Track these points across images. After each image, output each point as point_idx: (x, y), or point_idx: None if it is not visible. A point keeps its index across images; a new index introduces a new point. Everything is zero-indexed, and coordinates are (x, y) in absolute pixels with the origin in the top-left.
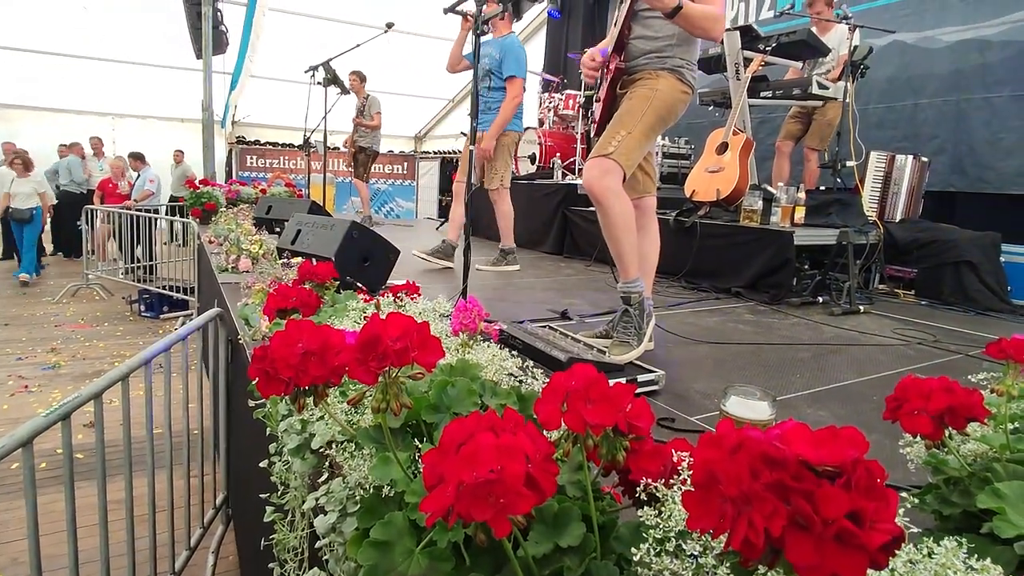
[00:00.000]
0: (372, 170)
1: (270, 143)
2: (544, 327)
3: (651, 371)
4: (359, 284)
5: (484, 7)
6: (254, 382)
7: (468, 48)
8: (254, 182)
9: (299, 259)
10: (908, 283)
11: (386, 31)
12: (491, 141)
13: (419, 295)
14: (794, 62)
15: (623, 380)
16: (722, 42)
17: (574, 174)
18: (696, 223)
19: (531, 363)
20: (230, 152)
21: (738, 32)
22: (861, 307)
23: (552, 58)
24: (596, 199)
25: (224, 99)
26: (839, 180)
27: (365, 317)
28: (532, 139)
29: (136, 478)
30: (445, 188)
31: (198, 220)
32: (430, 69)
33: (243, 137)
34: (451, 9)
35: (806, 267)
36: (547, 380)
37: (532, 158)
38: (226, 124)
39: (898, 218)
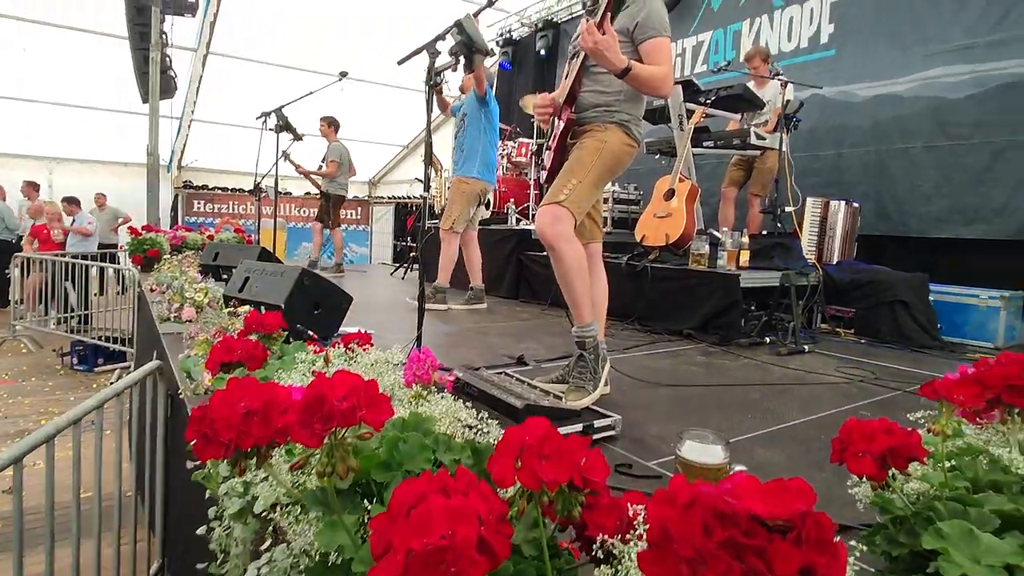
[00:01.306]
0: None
1: (219, 188)
2: (500, 373)
3: (607, 416)
4: (310, 332)
5: (436, 60)
6: (191, 444)
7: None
8: (201, 228)
9: (247, 308)
10: (848, 322)
11: (340, 79)
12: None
13: (371, 345)
14: (733, 114)
15: (580, 426)
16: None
17: (528, 219)
18: (647, 267)
19: (486, 414)
20: (176, 197)
21: (680, 86)
22: (806, 346)
23: (503, 108)
24: (549, 245)
25: (171, 143)
26: (779, 225)
27: (314, 371)
28: None
29: (59, 548)
30: (399, 233)
31: (139, 267)
32: (384, 115)
33: (190, 182)
34: (405, 60)
35: (752, 308)
36: (502, 431)
37: (487, 204)
38: (172, 168)
39: (835, 260)
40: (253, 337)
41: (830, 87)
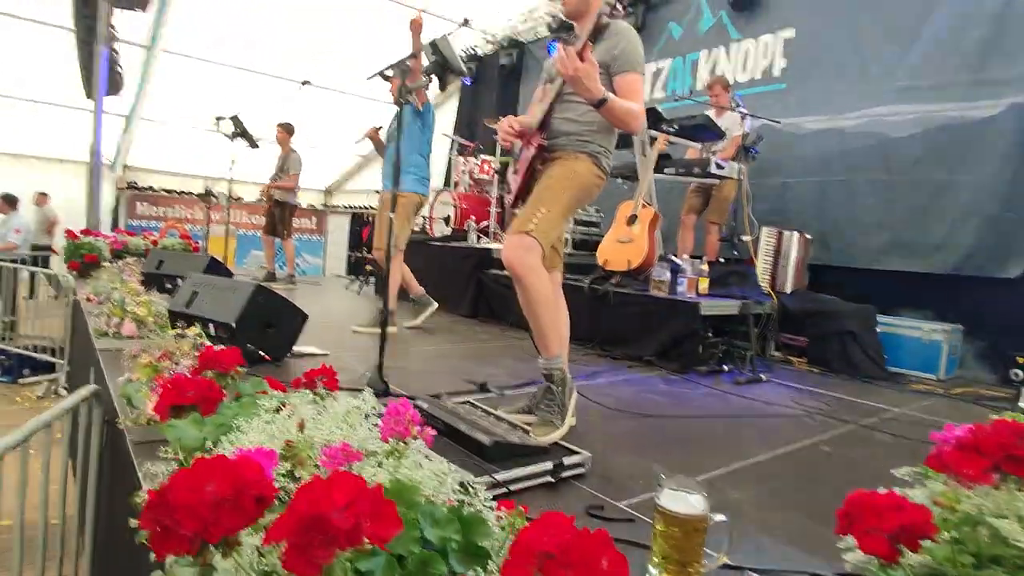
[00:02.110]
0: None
1: (165, 190)
2: (464, 403)
3: (577, 452)
4: (261, 353)
5: (408, 78)
6: (143, 533)
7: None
8: (144, 232)
9: (195, 329)
10: (800, 351)
11: (301, 87)
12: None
13: (336, 380)
14: (694, 143)
15: (550, 464)
16: None
17: (488, 237)
18: (609, 291)
19: (471, 478)
20: (119, 198)
21: (644, 113)
22: (763, 376)
23: (466, 123)
24: (516, 276)
25: (115, 141)
26: (736, 253)
27: (287, 441)
28: (447, 201)
29: None
30: (355, 244)
31: (76, 273)
32: (343, 123)
33: (135, 183)
34: (375, 76)
35: (710, 335)
36: (489, 498)
37: (447, 220)
38: (116, 167)
39: (788, 289)
40: (208, 375)
41: (780, 118)
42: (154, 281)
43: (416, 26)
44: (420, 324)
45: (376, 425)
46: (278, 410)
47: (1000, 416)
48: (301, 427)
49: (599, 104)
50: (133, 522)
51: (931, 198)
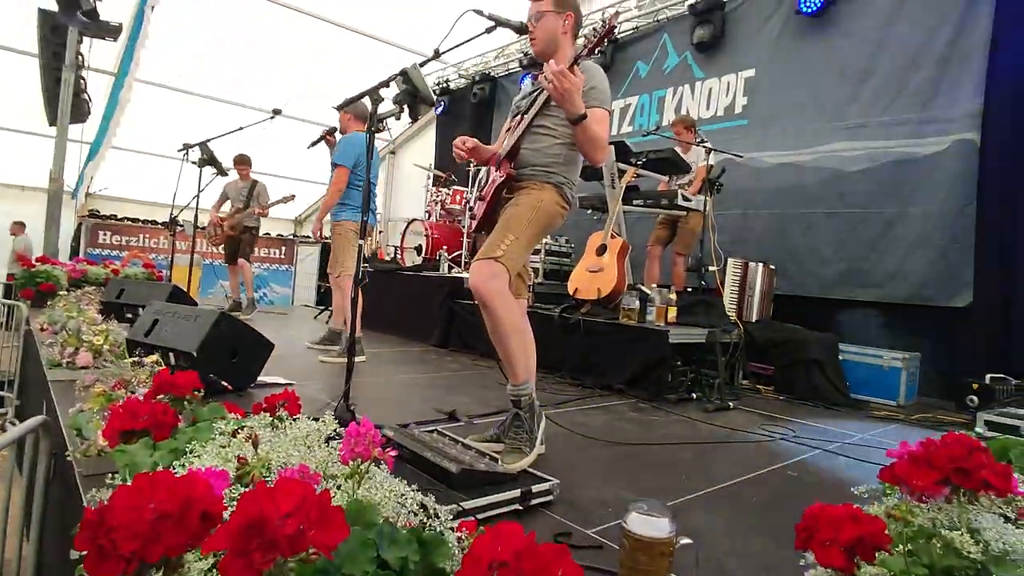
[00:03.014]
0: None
1: (129, 218)
2: (432, 431)
3: (545, 480)
4: (223, 383)
5: (379, 106)
6: (81, 555)
7: None
8: (105, 261)
9: (154, 356)
10: (767, 379)
11: (272, 117)
12: (317, 223)
13: (299, 406)
14: (661, 176)
15: (518, 491)
16: None
17: (460, 267)
18: (579, 320)
19: (432, 500)
20: (79, 226)
21: (613, 146)
22: (731, 403)
23: (441, 154)
24: (483, 302)
25: (78, 169)
26: (703, 283)
27: (239, 456)
28: (419, 231)
29: None
30: (325, 274)
31: (29, 302)
32: (315, 153)
33: (97, 211)
34: (344, 105)
35: (679, 364)
36: (450, 519)
37: (418, 249)
38: (78, 195)
39: (754, 319)
40: (164, 399)
41: (742, 153)
42: (114, 310)
43: None
44: (324, 359)
45: (338, 449)
46: (235, 434)
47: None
48: (255, 443)
49: (578, 120)
50: (74, 554)
51: (884, 230)
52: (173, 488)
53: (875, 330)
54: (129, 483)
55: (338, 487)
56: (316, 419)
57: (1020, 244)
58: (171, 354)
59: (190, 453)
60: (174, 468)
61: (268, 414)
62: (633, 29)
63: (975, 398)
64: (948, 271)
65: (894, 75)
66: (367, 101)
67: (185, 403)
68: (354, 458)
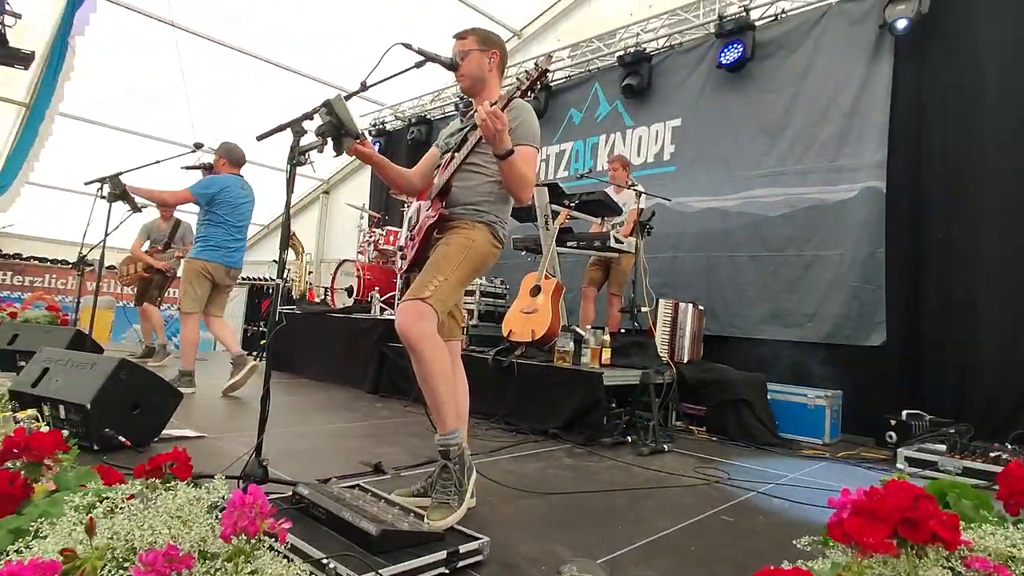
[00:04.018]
0: (166, 295)
1: (35, 258)
2: (354, 487)
3: (475, 538)
4: (121, 439)
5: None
6: None
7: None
8: (4, 304)
9: (31, 411)
10: (700, 420)
11: (194, 151)
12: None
13: (190, 468)
14: (593, 218)
15: (443, 553)
16: (533, 194)
17: (393, 309)
18: (513, 363)
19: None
20: None
21: (547, 188)
22: (665, 446)
23: (376, 194)
24: (410, 344)
25: None
26: (636, 324)
27: (64, 549)
28: (351, 272)
29: None
30: (252, 317)
31: None
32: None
33: None
34: (266, 136)
35: (613, 406)
36: None
37: (349, 291)
38: None
39: (686, 359)
40: (14, 465)
41: (671, 197)
42: (4, 358)
43: None
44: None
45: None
46: (93, 507)
47: (890, 477)
48: (91, 529)
49: (505, 155)
50: None
51: (802, 272)
52: None
53: (799, 369)
54: None
55: (215, 571)
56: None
57: (929, 285)
58: (62, 407)
59: (35, 534)
60: (7, 554)
61: (147, 478)
62: (566, 78)
63: (893, 434)
64: (862, 311)
65: (806, 127)
66: (290, 132)
67: (44, 469)
68: (237, 533)
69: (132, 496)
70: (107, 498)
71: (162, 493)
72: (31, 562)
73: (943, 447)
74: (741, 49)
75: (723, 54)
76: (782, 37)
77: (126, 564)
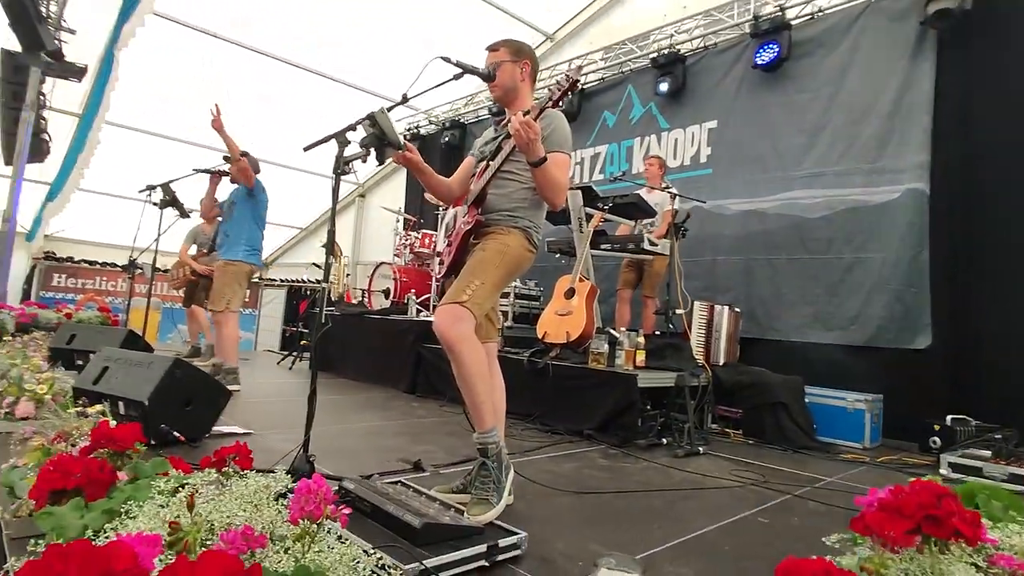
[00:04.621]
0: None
1: (86, 261)
2: (396, 483)
3: (513, 533)
4: (175, 433)
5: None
6: None
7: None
8: (59, 304)
9: (100, 406)
10: (736, 423)
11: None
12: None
13: (251, 460)
14: (627, 220)
15: (483, 547)
16: (567, 198)
17: (429, 311)
18: (548, 364)
19: (397, 563)
20: (33, 268)
21: (580, 191)
22: (700, 448)
23: (412, 198)
24: (449, 347)
25: (36, 210)
26: (671, 326)
27: (171, 522)
28: (387, 274)
29: None
30: (291, 318)
31: None
32: (282, 196)
33: (53, 253)
34: (312, 147)
35: (648, 408)
36: None
37: (386, 293)
38: (35, 238)
39: (721, 362)
40: (102, 454)
41: (708, 199)
42: (63, 357)
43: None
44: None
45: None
46: (176, 492)
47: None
48: (191, 505)
49: (539, 163)
50: None
51: (844, 275)
52: (89, 560)
53: (838, 372)
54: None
55: (285, 550)
56: (270, 471)
57: (972, 288)
58: (121, 403)
59: (125, 515)
60: (105, 532)
61: (216, 469)
62: (599, 80)
63: (937, 439)
64: (906, 314)
65: (846, 126)
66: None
67: (125, 458)
68: (303, 517)
69: (211, 482)
70: (187, 483)
71: (237, 480)
72: (137, 535)
73: (988, 453)
74: (777, 49)
75: (759, 54)
76: (819, 35)
77: (208, 543)
